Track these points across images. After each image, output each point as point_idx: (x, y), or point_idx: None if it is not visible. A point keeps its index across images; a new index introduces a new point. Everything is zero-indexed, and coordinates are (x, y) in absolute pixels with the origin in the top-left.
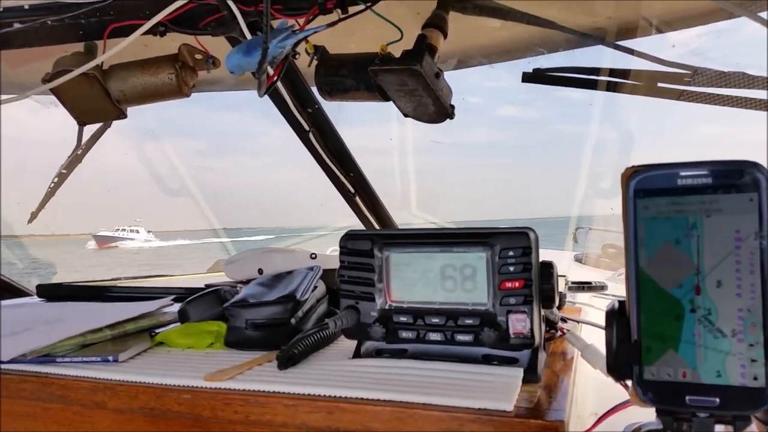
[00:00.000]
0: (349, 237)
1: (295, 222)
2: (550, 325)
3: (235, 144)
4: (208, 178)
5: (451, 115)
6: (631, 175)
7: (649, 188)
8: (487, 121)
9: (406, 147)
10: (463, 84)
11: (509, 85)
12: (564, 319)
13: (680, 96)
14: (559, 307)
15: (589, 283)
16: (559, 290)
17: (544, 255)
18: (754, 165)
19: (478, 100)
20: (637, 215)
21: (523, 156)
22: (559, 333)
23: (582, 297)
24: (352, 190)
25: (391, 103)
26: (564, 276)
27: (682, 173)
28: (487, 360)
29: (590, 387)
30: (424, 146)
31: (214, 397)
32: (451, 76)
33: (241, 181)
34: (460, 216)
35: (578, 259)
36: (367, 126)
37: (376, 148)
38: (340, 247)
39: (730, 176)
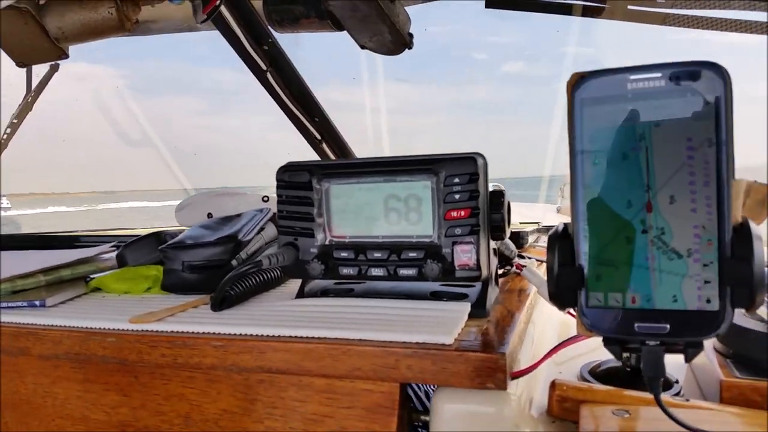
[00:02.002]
0: (286, 169)
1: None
2: (506, 260)
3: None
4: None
5: (409, 45)
6: (576, 81)
7: (596, 96)
8: (493, 78)
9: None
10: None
11: (515, 41)
12: (522, 256)
13: (663, 21)
14: (520, 247)
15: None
16: (519, 230)
17: (530, 209)
18: (713, 65)
19: (483, 56)
20: (583, 126)
21: (527, 114)
22: (516, 269)
23: None
24: (318, 137)
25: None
26: (537, 222)
27: (632, 77)
28: (436, 297)
29: (551, 328)
30: (419, 102)
31: (139, 339)
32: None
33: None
34: None
35: (559, 210)
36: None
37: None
38: (277, 180)
39: (685, 77)
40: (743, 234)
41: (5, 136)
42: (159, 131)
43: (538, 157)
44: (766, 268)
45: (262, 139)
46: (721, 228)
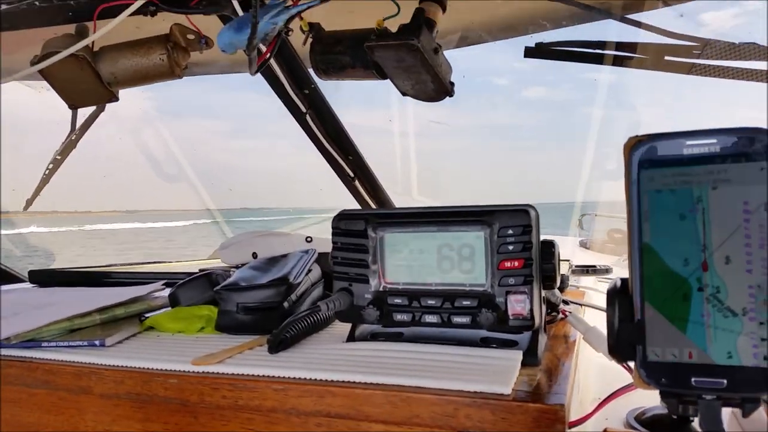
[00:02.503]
0: (342, 217)
1: (297, 203)
2: (552, 307)
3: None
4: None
5: (450, 93)
6: (634, 145)
7: (653, 159)
8: (513, 103)
9: (409, 130)
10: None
11: (536, 67)
12: (566, 302)
13: (690, 70)
14: (562, 290)
15: (594, 266)
16: (562, 272)
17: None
18: (765, 131)
19: (505, 81)
20: (640, 188)
21: (548, 138)
22: (561, 315)
23: (586, 281)
24: (351, 174)
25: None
26: (568, 260)
27: (689, 142)
28: (485, 343)
29: (593, 372)
30: (442, 130)
31: (201, 381)
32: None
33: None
34: (468, 199)
35: (583, 245)
36: (371, 109)
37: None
38: (333, 227)
39: (740, 144)
40: None
41: (47, 171)
42: (185, 152)
43: (561, 183)
44: None
45: (285, 162)
46: None
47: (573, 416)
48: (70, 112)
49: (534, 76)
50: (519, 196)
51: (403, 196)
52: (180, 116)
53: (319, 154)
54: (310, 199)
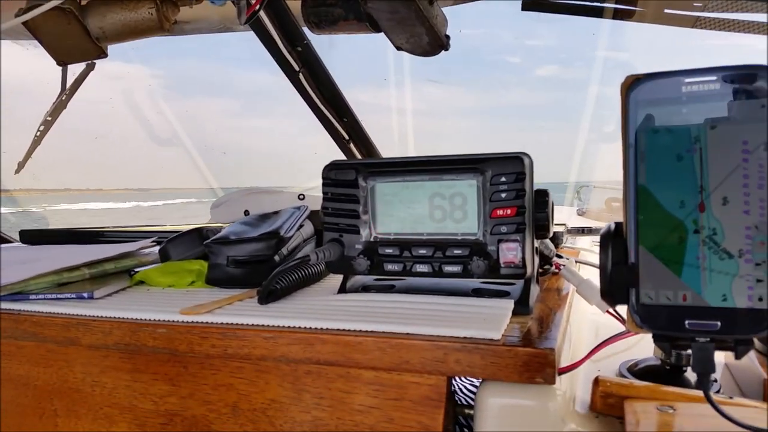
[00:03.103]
0: (332, 167)
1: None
2: (545, 260)
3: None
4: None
5: (446, 46)
6: (631, 83)
7: (650, 98)
8: (526, 82)
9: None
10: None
11: (549, 45)
12: (560, 256)
13: (694, 23)
14: (556, 247)
15: (589, 227)
16: (556, 230)
17: (555, 212)
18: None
19: (517, 60)
20: (637, 127)
21: (559, 118)
22: (555, 269)
23: (582, 243)
24: (346, 137)
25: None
26: (563, 224)
27: (687, 80)
28: (477, 294)
29: (586, 327)
30: (450, 105)
31: (190, 330)
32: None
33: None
34: None
35: (580, 213)
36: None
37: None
38: (323, 178)
39: (741, 81)
40: None
41: (38, 133)
42: (189, 131)
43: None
44: None
45: (291, 143)
46: None
47: (564, 365)
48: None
49: (547, 53)
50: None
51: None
52: (188, 94)
53: (314, 117)
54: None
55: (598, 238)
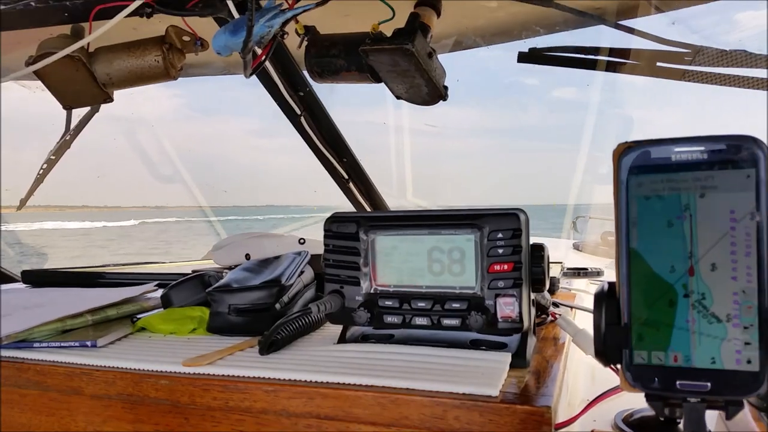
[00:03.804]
0: (333, 220)
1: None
2: (541, 309)
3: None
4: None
5: (444, 97)
6: (623, 151)
7: (641, 165)
8: (543, 103)
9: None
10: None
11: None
12: (556, 304)
13: (682, 76)
14: (552, 293)
15: (585, 268)
16: (552, 275)
17: (544, 242)
18: (753, 140)
19: (535, 81)
20: (629, 194)
21: (575, 140)
22: (551, 318)
23: (579, 284)
24: (346, 176)
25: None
26: (560, 262)
27: (677, 149)
28: (475, 345)
29: (582, 374)
30: (462, 126)
31: (192, 382)
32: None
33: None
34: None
35: (576, 247)
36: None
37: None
38: (325, 230)
39: (727, 152)
40: None
41: (41, 172)
42: (204, 150)
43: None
44: None
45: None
46: (762, 293)
47: (561, 418)
48: (64, 112)
49: (565, 76)
50: (539, 198)
51: (398, 199)
52: (210, 113)
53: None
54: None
55: (593, 278)
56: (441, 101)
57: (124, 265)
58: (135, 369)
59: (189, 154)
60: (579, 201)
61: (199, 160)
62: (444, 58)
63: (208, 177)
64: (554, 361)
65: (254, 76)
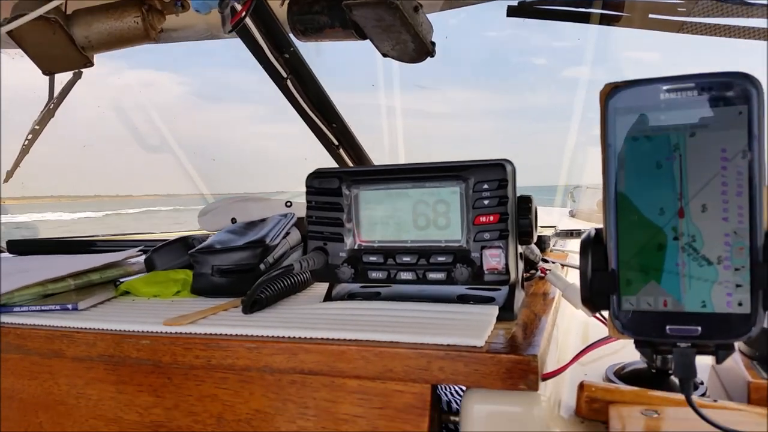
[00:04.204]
0: (316, 175)
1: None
2: (531, 264)
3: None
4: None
5: (431, 53)
6: (610, 91)
7: (629, 106)
8: (552, 83)
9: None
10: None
11: (575, 45)
12: (546, 260)
13: (680, 28)
14: (543, 251)
15: (578, 230)
16: (543, 234)
17: (546, 213)
18: (745, 76)
19: (543, 61)
20: (616, 135)
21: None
22: (540, 273)
23: (572, 246)
24: (336, 142)
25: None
26: (554, 226)
27: (666, 87)
28: (463, 300)
29: (574, 330)
30: (474, 109)
31: (174, 341)
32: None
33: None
34: None
35: (572, 214)
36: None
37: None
38: (307, 186)
39: (718, 88)
40: None
41: (26, 143)
42: (176, 136)
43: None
44: None
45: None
46: (753, 234)
47: (549, 370)
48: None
49: (576, 54)
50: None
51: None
52: (217, 100)
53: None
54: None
55: None
56: (428, 57)
57: (113, 235)
58: (116, 330)
59: (194, 139)
60: (570, 180)
61: (204, 146)
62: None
63: (212, 164)
64: (543, 314)
65: (239, 40)
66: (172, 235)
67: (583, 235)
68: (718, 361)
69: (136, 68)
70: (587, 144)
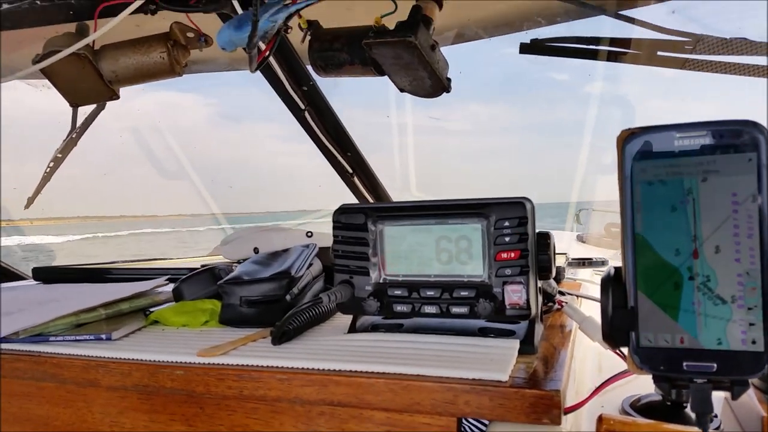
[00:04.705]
0: (342, 211)
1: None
2: (548, 297)
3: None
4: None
5: (447, 89)
6: (626, 137)
7: (645, 151)
8: (574, 99)
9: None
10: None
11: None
12: (562, 293)
13: (683, 65)
14: (558, 281)
15: (590, 258)
16: (557, 264)
17: (556, 239)
18: (754, 124)
19: (565, 77)
20: (633, 179)
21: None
22: (557, 306)
23: (583, 274)
24: (350, 170)
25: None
26: (564, 253)
27: (679, 134)
28: (483, 333)
29: (590, 362)
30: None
31: (207, 372)
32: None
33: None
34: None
35: (580, 239)
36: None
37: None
38: (334, 221)
39: (729, 136)
40: None
41: (48, 170)
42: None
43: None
44: None
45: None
46: (765, 274)
47: (569, 403)
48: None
49: (596, 70)
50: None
51: (403, 192)
52: (241, 120)
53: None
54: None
55: (598, 268)
56: (444, 93)
57: (132, 261)
58: (150, 360)
59: (214, 160)
60: (581, 197)
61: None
62: (446, 51)
63: (230, 182)
64: (562, 347)
65: (258, 72)
66: (190, 261)
67: (604, 274)
68: (734, 397)
69: (158, 90)
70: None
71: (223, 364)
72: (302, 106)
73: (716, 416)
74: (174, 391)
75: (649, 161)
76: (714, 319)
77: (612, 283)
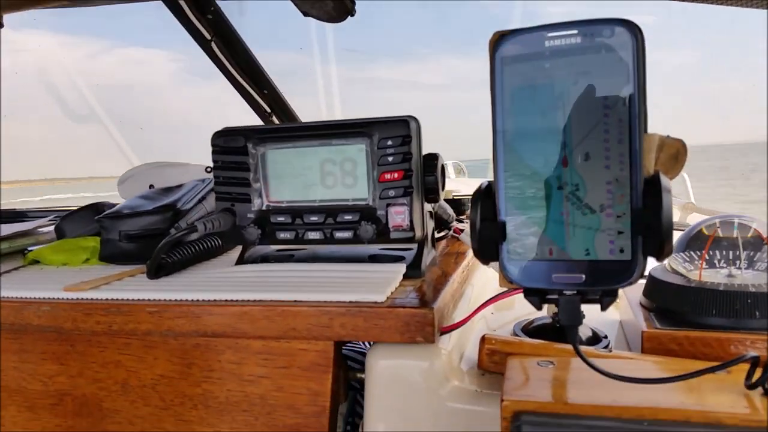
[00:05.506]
0: (221, 134)
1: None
2: (443, 224)
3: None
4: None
5: (351, 12)
6: (497, 40)
7: (516, 54)
8: None
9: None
10: None
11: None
12: (461, 221)
13: None
14: (461, 213)
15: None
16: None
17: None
18: (626, 22)
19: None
20: (503, 84)
21: None
22: (454, 233)
23: None
24: (268, 110)
25: None
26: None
27: (550, 34)
28: (374, 260)
29: (491, 291)
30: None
31: (73, 308)
32: None
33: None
34: None
35: None
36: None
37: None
38: (212, 145)
39: (600, 35)
40: (653, 186)
41: None
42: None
43: None
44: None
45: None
46: (633, 180)
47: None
48: None
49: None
50: None
51: None
52: (210, 77)
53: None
54: None
55: None
56: (348, 16)
57: (36, 207)
58: (17, 297)
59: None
60: None
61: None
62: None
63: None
64: (451, 272)
65: (160, 2)
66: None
67: (475, 189)
68: (603, 308)
69: (56, 31)
70: None
71: (91, 299)
72: (208, 37)
73: (605, 337)
74: (42, 328)
75: (518, 64)
76: (582, 229)
77: (482, 196)
